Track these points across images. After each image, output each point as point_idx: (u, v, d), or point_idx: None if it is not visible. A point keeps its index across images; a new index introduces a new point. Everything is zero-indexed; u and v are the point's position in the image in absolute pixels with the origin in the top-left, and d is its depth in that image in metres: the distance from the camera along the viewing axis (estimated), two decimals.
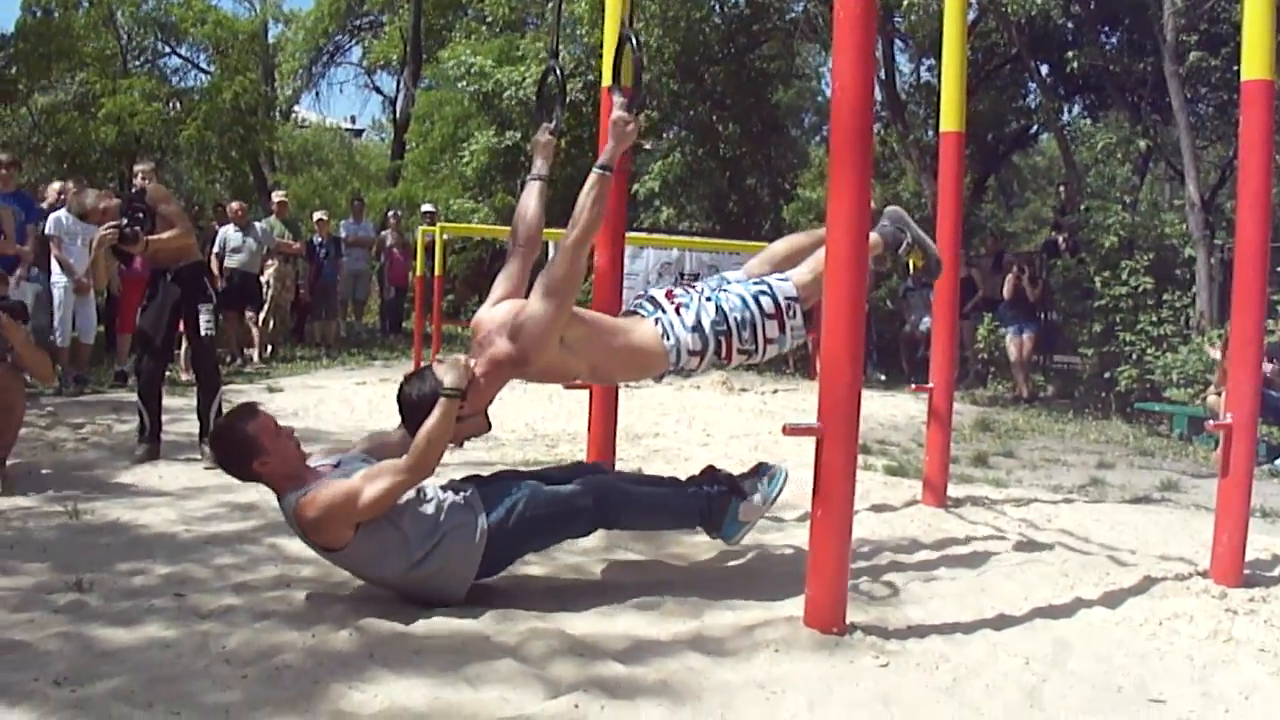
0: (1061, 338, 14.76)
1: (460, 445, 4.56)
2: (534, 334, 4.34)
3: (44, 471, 6.74)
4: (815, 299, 4.65)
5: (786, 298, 4.71)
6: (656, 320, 4.65)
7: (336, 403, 10.57)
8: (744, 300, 4.68)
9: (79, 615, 4.03)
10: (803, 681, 3.59)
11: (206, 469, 6.76)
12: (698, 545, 5.54)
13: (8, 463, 6.38)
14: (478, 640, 3.92)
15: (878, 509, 6.50)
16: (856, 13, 3.96)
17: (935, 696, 3.48)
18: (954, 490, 6.94)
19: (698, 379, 13.67)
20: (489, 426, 4.62)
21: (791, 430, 4.10)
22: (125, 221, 6.96)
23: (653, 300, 4.75)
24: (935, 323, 6.86)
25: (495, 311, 4.57)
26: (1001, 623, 4.29)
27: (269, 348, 14.34)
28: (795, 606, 4.20)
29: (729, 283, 4.80)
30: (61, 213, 10.53)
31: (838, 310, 4.01)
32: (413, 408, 4.36)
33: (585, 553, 5.24)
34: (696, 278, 15.57)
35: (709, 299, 4.68)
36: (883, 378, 15.31)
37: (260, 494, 6.15)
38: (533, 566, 4.93)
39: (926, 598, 4.65)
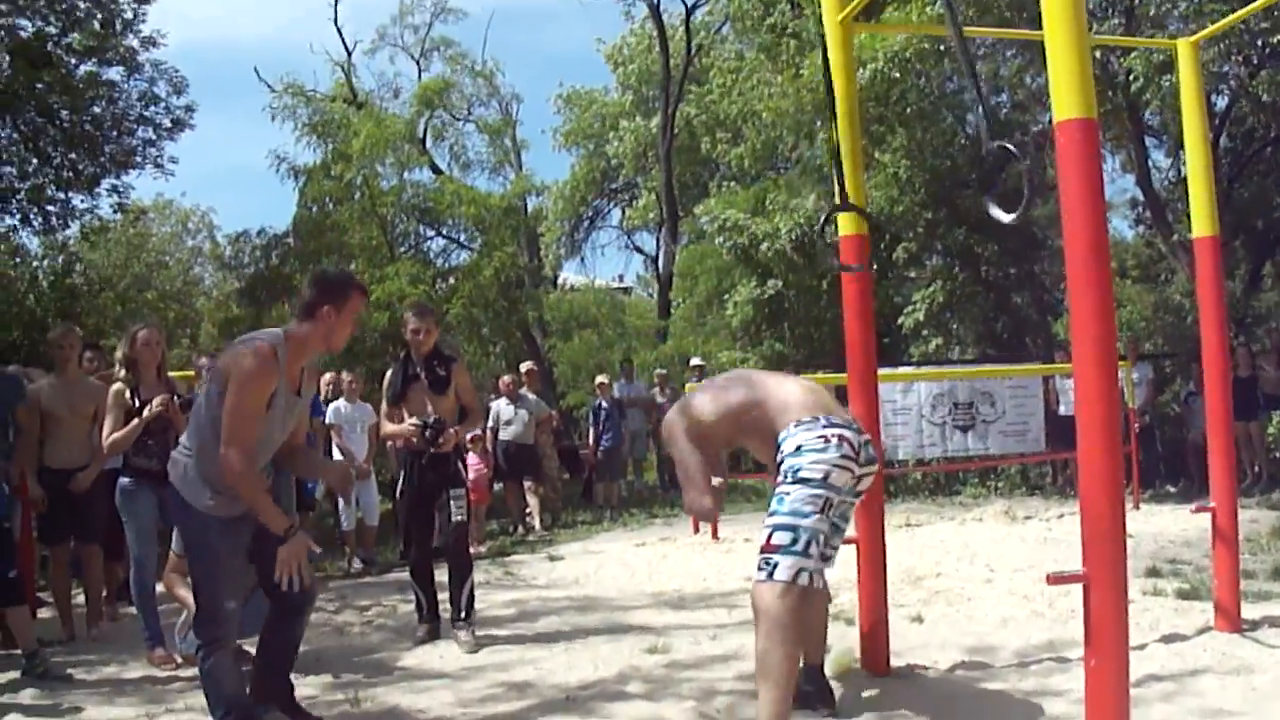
0: None
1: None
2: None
3: (330, 658, 6.97)
4: None
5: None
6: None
7: (616, 566, 10.68)
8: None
9: None
10: None
11: (467, 653, 6.93)
12: (979, 694, 5.38)
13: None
14: None
15: (1168, 639, 6.19)
16: (1079, 142, 3.88)
17: None
18: (1250, 610, 6.57)
19: (978, 512, 13.38)
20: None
21: (1056, 579, 3.96)
22: (431, 420, 7.21)
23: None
24: (1210, 434, 6.52)
25: None
26: None
27: (550, 516, 14.65)
28: None
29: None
30: (340, 402, 11.14)
31: (1093, 446, 3.86)
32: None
33: (870, 710, 5.16)
34: (971, 406, 15.56)
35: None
36: (1172, 489, 14.66)
37: (537, 672, 6.30)
38: None
39: None
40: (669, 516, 14.98)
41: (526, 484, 14.10)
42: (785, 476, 4.68)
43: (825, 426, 4.71)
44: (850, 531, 5.27)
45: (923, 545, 10.84)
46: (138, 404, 6.91)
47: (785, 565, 4.49)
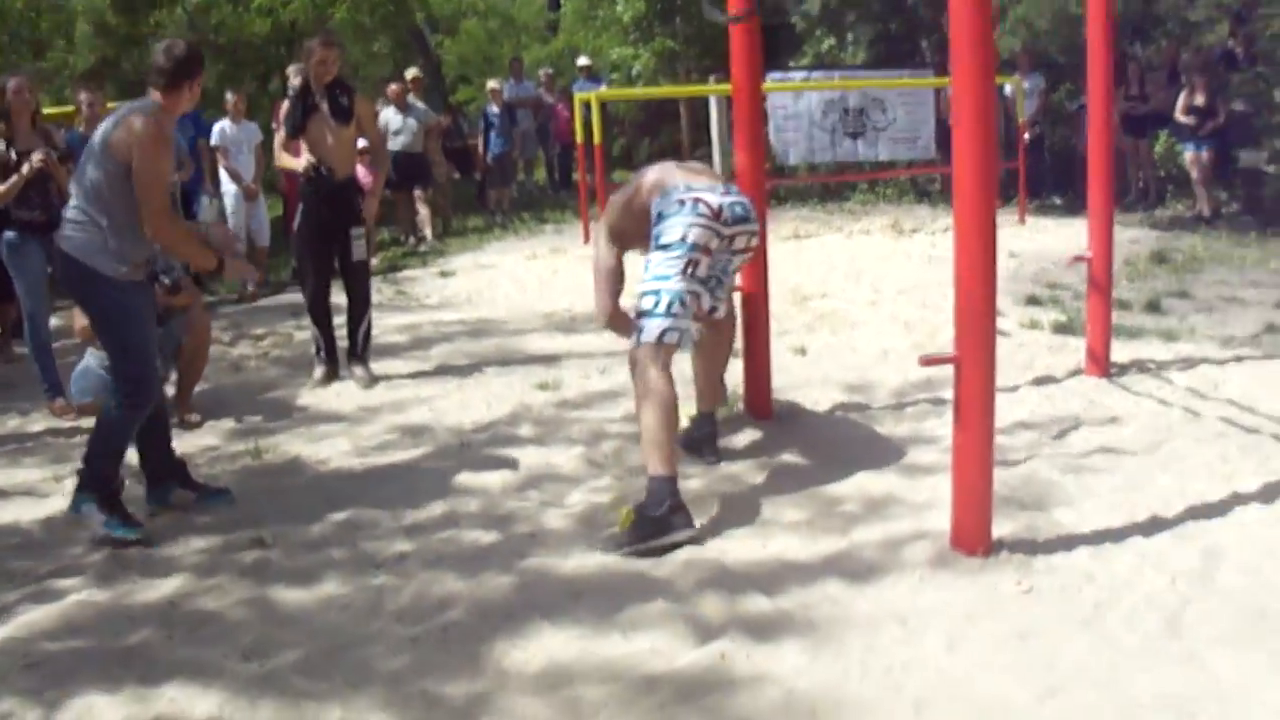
0: (1249, 131, 13.92)
1: None
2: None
3: (229, 396, 7.11)
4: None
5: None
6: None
7: (508, 283, 10.85)
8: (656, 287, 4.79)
9: (263, 576, 4.32)
10: (944, 614, 3.68)
11: (363, 389, 7.10)
12: (856, 440, 5.65)
13: (195, 389, 6.74)
14: (631, 579, 4.11)
15: (1040, 381, 6.47)
16: None
17: (1073, 630, 3.52)
18: (1121, 350, 6.84)
19: (866, 223, 13.62)
20: None
21: (927, 361, 4.13)
22: (324, 169, 7.12)
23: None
24: (1091, 180, 6.58)
25: None
26: (1153, 527, 4.28)
27: (441, 223, 14.64)
28: (946, 517, 4.23)
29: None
30: (225, 123, 10.90)
31: (968, 230, 3.97)
32: None
33: (749, 458, 5.43)
34: (862, 113, 15.60)
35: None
36: (1059, 201, 14.92)
37: (432, 413, 6.46)
38: (694, 480, 5.09)
39: (1080, 497, 4.66)
40: (559, 222, 15.04)
41: (416, 193, 14.02)
42: (651, 244, 4.87)
43: (684, 192, 4.85)
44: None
45: (810, 261, 11.06)
46: (14, 156, 6.72)
47: (650, 327, 4.68)
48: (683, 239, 4.74)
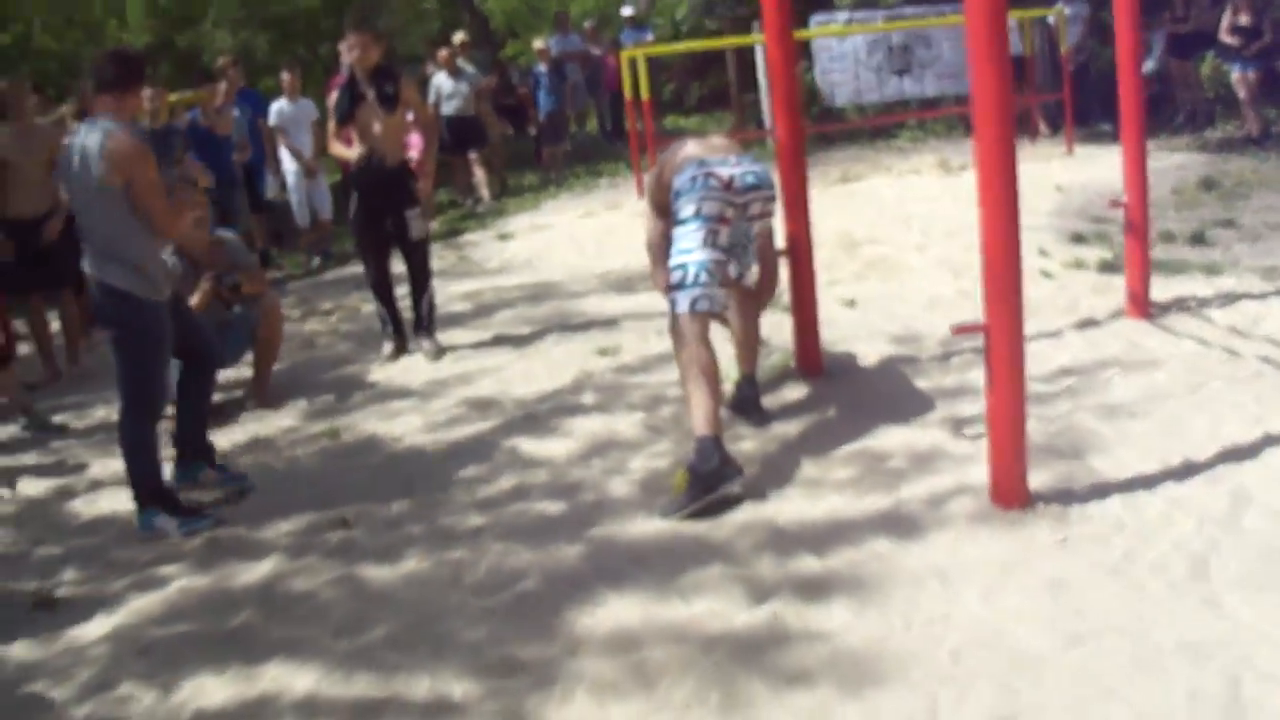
0: None
1: None
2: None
3: (303, 376, 7.46)
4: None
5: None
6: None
7: (565, 244, 11.07)
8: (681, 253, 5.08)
9: (349, 555, 4.65)
10: (981, 568, 3.92)
11: (431, 362, 7.40)
12: (903, 394, 5.86)
13: (273, 367, 7.08)
14: (691, 544, 4.39)
15: (1082, 325, 6.62)
16: None
17: (1102, 579, 3.75)
18: (1163, 288, 6.93)
19: (915, 162, 13.67)
20: None
21: (959, 330, 4.35)
22: (374, 159, 7.33)
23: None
24: (1123, 125, 6.72)
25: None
26: (1185, 472, 4.47)
27: (499, 183, 14.87)
28: (987, 470, 4.43)
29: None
30: (282, 102, 11.20)
31: (992, 202, 4.19)
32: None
33: (800, 416, 5.69)
34: (907, 50, 15.60)
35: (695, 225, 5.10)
36: (1107, 127, 14.85)
37: (497, 384, 6.73)
38: (746, 443, 5.36)
39: (1116, 442, 4.86)
40: (613, 174, 15.19)
41: (471, 155, 14.26)
42: (673, 221, 5.20)
43: (697, 168, 5.14)
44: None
45: (859, 206, 11.12)
46: None
47: (680, 300, 5.00)
48: (696, 213, 5.06)
